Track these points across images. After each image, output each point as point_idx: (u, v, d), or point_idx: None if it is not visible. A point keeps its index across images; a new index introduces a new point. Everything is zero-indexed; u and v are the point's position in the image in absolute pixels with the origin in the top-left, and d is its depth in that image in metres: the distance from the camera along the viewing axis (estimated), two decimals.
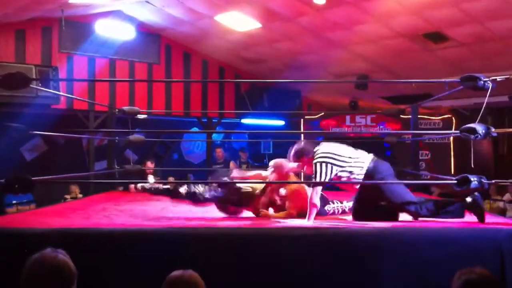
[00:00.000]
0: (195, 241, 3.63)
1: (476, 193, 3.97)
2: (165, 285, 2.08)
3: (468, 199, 4.01)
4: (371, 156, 4.28)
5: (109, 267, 3.37)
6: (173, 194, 4.54)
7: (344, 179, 4.20)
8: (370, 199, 4.23)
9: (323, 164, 4.11)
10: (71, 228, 3.82)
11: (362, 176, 4.17)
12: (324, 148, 4.25)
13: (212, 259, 3.40)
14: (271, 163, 4.86)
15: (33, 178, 3.95)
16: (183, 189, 4.52)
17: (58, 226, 3.92)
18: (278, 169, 4.73)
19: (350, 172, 4.18)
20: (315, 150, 4.25)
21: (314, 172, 4.16)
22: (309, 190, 4.31)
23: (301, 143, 4.52)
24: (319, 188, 4.13)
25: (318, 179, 4.09)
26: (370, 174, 4.18)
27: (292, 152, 4.46)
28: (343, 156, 4.18)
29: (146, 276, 3.30)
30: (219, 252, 3.50)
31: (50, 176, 4.63)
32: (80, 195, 8.19)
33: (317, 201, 4.09)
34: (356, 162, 4.20)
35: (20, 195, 8.17)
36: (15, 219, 4.58)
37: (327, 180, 4.12)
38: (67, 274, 1.97)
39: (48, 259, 1.96)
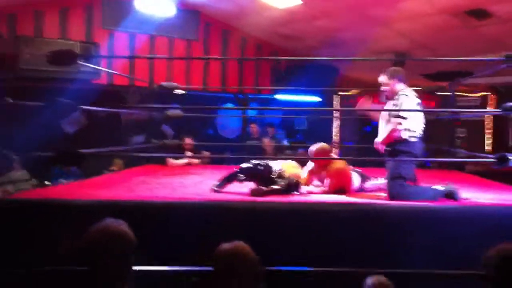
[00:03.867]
0: (233, 215, 3.76)
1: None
2: (218, 254, 2.16)
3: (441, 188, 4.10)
4: (420, 130, 4.33)
5: (154, 238, 3.52)
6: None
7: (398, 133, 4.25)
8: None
9: (410, 98, 4.27)
10: (118, 200, 4.00)
11: (406, 140, 4.24)
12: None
13: (251, 232, 3.50)
14: (312, 148, 4.95)
15: (80, 151, 4.14)
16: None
17: (105, 197, 4.10)
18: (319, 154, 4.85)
19: (407, 130, 4.25)
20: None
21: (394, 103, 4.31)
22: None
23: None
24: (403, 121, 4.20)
25: (399, 114, 4.20)
26: (412, 145, 4.25)
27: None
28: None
29: (189, 247, 3.44)
30: (258, 225, 3.62)
31: (96, 149, 4.79)
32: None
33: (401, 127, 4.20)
34: (415, 126, 4.27)
35: (68, 174, 8.47)
36: (63, 191, 4.79)
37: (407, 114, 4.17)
38: (129, 243, 2.09)
39: (112, 228, 2.08)
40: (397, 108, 4.25)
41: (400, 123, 4.20)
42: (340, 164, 4.80)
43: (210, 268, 2.21)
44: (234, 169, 4.83)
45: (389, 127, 4.31)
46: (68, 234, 3.44)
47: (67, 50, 4.61)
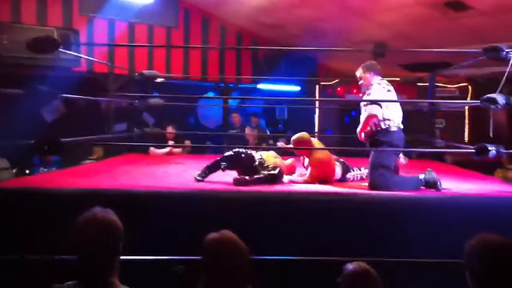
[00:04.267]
0: (218, 204, 3.78)
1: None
2: (206, 244, 2.18)
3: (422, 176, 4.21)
4: (400, 120, 4.44)
5: (137, 227, 3.52)
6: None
7: (378, 122, 4.36)
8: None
9: (383, 89, 4.44)
10: (100, 189, 3.98)
11: (386, 129, 4.35)
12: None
13: (235, 221, 3.53)
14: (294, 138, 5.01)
15: (61, 139, 4.11)
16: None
17: (86, 186, 4.08)
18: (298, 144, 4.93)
19: (385, 119, 4.35)
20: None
21: (368, 93, 4.48)
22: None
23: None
24: (377, 108, 4.34)
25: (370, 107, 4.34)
26: (391, 134, 4.35)
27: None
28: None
29: (175, 237, 3.46)
30: (242, 214, 3.64)
31: (77, 138, 4.76)
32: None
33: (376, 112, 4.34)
34: (391, 115, 4.39)
35: (49, 163, 8.38)
36: (46, 180, 4.75)
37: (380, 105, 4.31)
38: (117, 232, 2.10)
39: (100, 217, 2.08)
40: (369, 97, 4.42)
41: (375, 114, 4.33)
42: (322, 154, 4.83)
43: (196, 258, 2.22)
44: (217, 158, 4.84)
45: (364, 115, 4.43)
46: (54, 223, 3.45)
47: (48, 36, 4.54)
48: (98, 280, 2.04)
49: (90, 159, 8.06)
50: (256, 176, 4.45)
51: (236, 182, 4.39)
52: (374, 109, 4.33)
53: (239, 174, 4.61)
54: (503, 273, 1.92)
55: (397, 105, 4.51)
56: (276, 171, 4.55)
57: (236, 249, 2.15)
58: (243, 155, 4.69)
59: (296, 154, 5.44)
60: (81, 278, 2.07)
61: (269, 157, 4.89)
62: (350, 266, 2.43)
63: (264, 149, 5.37)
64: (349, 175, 4.88)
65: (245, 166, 4.62)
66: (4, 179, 6.20)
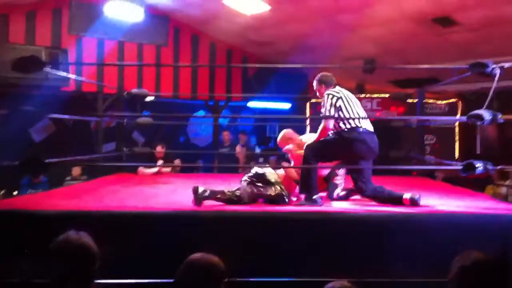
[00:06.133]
0: (205, 224, 3.73)
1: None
2: (185, 266, 2.15)
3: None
4: (368, 125, 4.48)
5: (122, 248, 3.46)
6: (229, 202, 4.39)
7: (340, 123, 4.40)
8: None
9: (330, 97, 4.44)
10: (84, 211, 3.92)
11: (349, 130, 4.39)
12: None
13: (224, 241, 3.48)
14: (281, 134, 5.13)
15: (46, 160, 4.06)
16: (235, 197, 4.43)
17: (70, 208, 4.02)
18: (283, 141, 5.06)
19: (347, 119, 4.39)
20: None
21: (322, 104, 4.51)
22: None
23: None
24: (329, 121, 4.42)
25: (325, 110, 4.42)
26: (355, 135, 4.38)
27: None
28: (352, 103, 4.46)
29: (159, 258, 3.40)
30: (231, 234, 3.59)
31: (63, 158, 4.71)
32: (84, 177, 8.23)
33: (328, 129, 4.44)
34: (356, 117, 4.41)
35: (37, 184, 8.31)
36: (28, 201, 4.68)
37: (331, 111, 4.37)
38: (90, 255, 2.05)
39: (73, 241, 2.04)
40: (324, 108, 4.45)
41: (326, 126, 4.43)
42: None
43: (172, 280, 2.19)
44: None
45: (320, 126, 4.51)
46: (32, 246, 3.39)
47: (33, 56, 4.50)
48: None
49: (69, 179, 8.00)
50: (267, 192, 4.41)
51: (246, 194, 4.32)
52: (327, 122, 4.43)
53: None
54: None
55: (358, 109, 4.50)
56: (282, 191, 4.48)
57: (213, 271, 2.12)
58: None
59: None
60: None
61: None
62: (330, 285, 2.40)
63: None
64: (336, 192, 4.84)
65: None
66: None
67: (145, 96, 6.90)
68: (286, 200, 4.42)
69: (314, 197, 4.32)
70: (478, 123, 3.79)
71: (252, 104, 11.32)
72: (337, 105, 4.40)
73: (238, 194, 4.42)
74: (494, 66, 4.03)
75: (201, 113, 11.93)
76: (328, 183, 4.87)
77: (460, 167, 3.84)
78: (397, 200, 4.26)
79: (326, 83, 4.67)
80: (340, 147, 4.42)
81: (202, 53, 10.49)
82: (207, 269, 2.14)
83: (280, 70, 10.24)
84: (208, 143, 12.10)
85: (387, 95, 9.97)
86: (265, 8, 8.57)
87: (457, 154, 9.64)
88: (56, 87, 8.17)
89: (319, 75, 4.76)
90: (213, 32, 10.34)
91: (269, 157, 10.09)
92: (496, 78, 3.96)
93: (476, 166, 3.70)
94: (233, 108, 12.01)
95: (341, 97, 4.45)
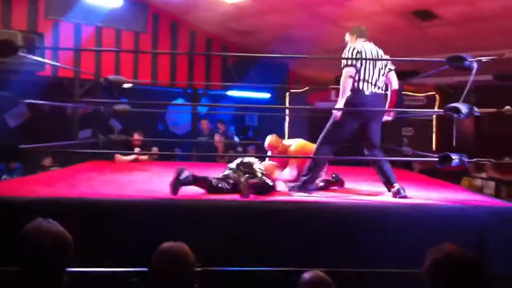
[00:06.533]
0: (180, 212, 3.69)
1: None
2: (155, 255, 2.13)
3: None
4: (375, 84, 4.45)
5: (95, 236, 3.41)
6: (211, 190, 4.34)
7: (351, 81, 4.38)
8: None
9: (350, 51, 4.44)
10: (57, 197, 3.85)
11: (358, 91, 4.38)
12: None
13: (198, 230, 3.46)
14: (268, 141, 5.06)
15: (20, 146, 3.97)
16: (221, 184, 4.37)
17: (44, 194, 3.95)
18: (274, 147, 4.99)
19: (361, 80, 4.39)
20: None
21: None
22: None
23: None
24: (350, 69, 4.37)
25: (346, 64, 4.39)
26: (364, 99, 4.39)
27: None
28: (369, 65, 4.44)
29: (133, 247, 3.36)
30: (205, 223, 3.57)
31: (38, 145, 4.61)
32: (55, 167, 8.08)
33: (347, 83, 4.37)
34: (368, 76, 4.41)
35: (12, 170, 8.17)
36: (2, 187, 4.59)
37: (350, 62, 4.36)
38: (63, 243, 2.01)
39: (45, 228, 1.99)
40: (344, 65, 4.42)
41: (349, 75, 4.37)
42: (295, 147, 4.96)
43: (146, 269, 2.16)
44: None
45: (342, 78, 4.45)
46: (6, 233, 3.32)
47: (7, 40, 4.38)
48: None
49: (41, 167, 7.89)
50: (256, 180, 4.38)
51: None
52: (348, 70, 4.38)
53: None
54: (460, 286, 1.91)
55: (374, 68, 4.47)
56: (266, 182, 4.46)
57: (183, 260, 2.10)
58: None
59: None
60: None
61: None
62: (306, 275, 2.40)
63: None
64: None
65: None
66: None
67: (123, 83, 6.79)
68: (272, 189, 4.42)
69: (309, 186, 4.39)
70: (455, 115, 3.81)
71: (231, 93, 11.27)
72: (354, 62, 4.39)
73: (222, 182, 4.38)
74: (471, 60, 4.05)
75: (179, 101, 11.84)
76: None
77: (437, 159, 3.86)
78: (388, 184, 4.35)
79: (357, 34, 4.65)
80: (348, 115, 4.43)
81: (182, 41, 10.38)
82: (177, 258, 2.12)
83: (261, 60, 10.20)
84: (187, 131, 12.03)
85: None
86: None
87: (434, 147, 9.72)
88: (31, 72, 8.02)
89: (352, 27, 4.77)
90: (193, 20, 10.24)
91: (247, 146, 10.07)
92: (474, 72, 3.98)
93: (453, 158, 3.72)
94: (212, 96, 11.95)
95: (360, 52, 4.43)
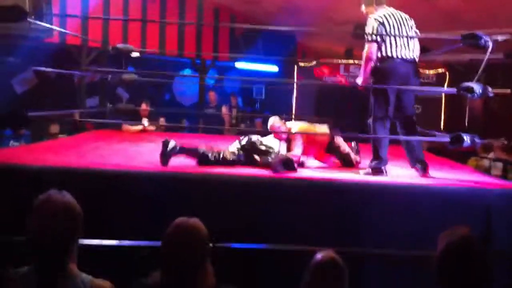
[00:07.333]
0: (188, 186, 3.69)
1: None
2: (168, 229, 2.12)
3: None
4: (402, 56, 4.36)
5: (103, 207, 3.41)
6: (201, 161, 4.32)
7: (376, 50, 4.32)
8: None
9: (372, 21, 4.36)
10: (67, 167, 3.85)
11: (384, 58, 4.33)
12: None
13: (206, 204, 3.45)
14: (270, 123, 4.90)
15: (29, 114, 3.95)
16: (210, 155, 4.34)
17: (53, 163, 3.95)
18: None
19: (382, 49, 4.32)
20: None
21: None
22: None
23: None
24: (372, 45, 4.32)
25: (369, 39, 4.33)
26: (388, 69, 4.31)
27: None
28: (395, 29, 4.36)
29: (144, 220, 3.37)
30: (213, 197, 3.56)
31: (46, 113, 4.60)
32: (61, 135, 8.08)
33: (369, 59, 4.33)
34: (395, 43, 4.34)
35: (20, 137, 8.18)
36: (10, 154, 4.59)
37: (373, 36, 4.30)
38: (76, 214, 2.00)
39: (56, 199, 1.98)
40: (367, 39, 4.34)
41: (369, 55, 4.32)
42: (298, 127, 4.86)
43: (158, 243, 2.16)
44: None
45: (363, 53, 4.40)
46: (16, 202, 3.33)
47: (16, 5, 4.32)
48: (53, 266, 1.94)
49: (51, 134, 7.88)
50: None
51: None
52: (370, 47, 4.32)
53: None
54: (471, 269, 1.90)
55: (401, 33, 4.40)
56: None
57: (196, 236, 2.09)
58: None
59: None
60: (36, 263, 1.97)
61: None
62: (319, 256, 2.40)
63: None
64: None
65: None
66: None
67: (131, 51, 6.73)
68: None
69: (378, 166, 4.29)
70: (469, 95, 3.76)
71: (239, 65, 11.18)
72: (378, 30, 4.31)
73: (215, 153, 4.37)
74: (487, 38, 3.98)
75: (187, 71, 11.77)
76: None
77: (448, 140, 3.83)
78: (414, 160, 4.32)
79: (376, 2, 4.55)
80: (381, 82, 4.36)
81: (189, 11, 10.26)
82: (191, 232, 2.11)
83: (268, 32, 10.08)
84: (194, 101, 11.99)
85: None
86: None
87: (442, 125, 9.67)
88: (39, 38, 7.96)
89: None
90: None
91: (254, 119, 10.06)
92: (489, 51, 3.92)
93: (464, 139, 3.68)
94: (220, 68, 11.87)
95: (383, 23, 4.35)
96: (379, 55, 4.34)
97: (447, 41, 5.43)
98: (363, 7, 4.67)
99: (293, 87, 9.85)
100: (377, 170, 4.27)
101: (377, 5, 4.55)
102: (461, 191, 3.79)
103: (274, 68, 11.20)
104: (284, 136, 4.76)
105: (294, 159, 4.43)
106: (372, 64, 4.35)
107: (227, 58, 11.00)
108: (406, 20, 4.51)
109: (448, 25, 8.04)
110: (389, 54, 4.32)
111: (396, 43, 4.35)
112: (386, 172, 4.29)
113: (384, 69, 4.34)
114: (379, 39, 4.30)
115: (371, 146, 4.41)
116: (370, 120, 4.41)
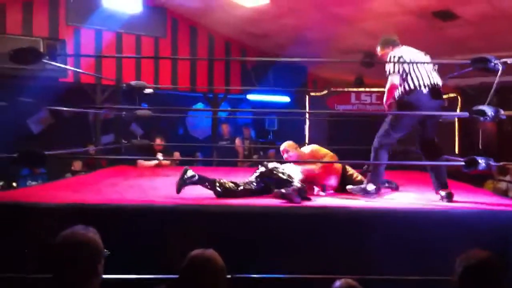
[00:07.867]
0: (205, 218, 3.70)
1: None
2: (186, 262, 2.14)
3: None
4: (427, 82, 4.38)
5: (122, 242, 3.43)
6: (219, 192, 4.32)
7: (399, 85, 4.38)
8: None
9: (393, 57, 4.43)
10: (85, 203, 3.89)
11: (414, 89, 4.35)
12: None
13: (223, 236, 3.46)
14: (283, 146, 4.98)
15: (45, 152, 4.01)
16: (228, 186, 4.36)
17: (70, 201, 3.99)
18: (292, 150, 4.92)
19: (408, 82, 4.36)
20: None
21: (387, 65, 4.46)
22: None
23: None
24: (394, 77, 4.38)
25: (388, 70, 4.40)
26: (414, 100, 4.35)
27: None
28: (416, 64, 4.41)
29: (161, 254, 3.37)
30: (230, 229, 3.57)
31: (61, 151, 4.66)
32: (84, 172, 8.18)
33: (391, 91, 4.41)
34: (417, 75, 4.38)
35: (36, 175, 8.27)
36: (30, 193, 4.64)
37: (396, 70, 4.36)
38: (96, 251, 2.03)
39: (79, 236, 2.01)
40: (389, 72, 4.41)
41: (394, 84, 4.37)
42: (311, 150, 4.95)
43: (176, 276, 2.17)
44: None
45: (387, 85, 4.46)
46: (34, 239, 3.36)
47: (31, 48, 4.44)
48: None
49: (72, 171, 7.96)
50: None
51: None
52: (392, 79, 4.38)
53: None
54: None
55: (424, 69, 4.45)
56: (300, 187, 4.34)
57: (213, 268, 2.10)
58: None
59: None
60: None
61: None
62: (337, 284, 2.39)
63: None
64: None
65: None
66: None
67: (144, 88, 6.87)
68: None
69: (370, 188, 4.37)
70: (481, 119, 3.76)
71: (251, 96, 11.28)
72: (399, 63, 4.39)
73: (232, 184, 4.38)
74: (496, 61, 4.00)
75: (200, 105, 11.87)
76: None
77: (463, 163, 3.82)
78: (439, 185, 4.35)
79: (392, 44, 4.68)
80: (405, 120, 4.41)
81: (201, 45, 10.44)
82: (207, 265, 2.12)
83: (279, 63, 10.19)
84: (207, 135, 12.07)
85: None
86: (264, 1, 8.51)
87: (457, 150, 9.61)
88: (54, 78, 8.11)
89: (381, 38, 4.78)
90: (212, 24, 10.29)
91: (267, 150, 10.07)
92: (499, 74, 3.93)
93: (479, 162, 3.67)
94: (232, 100, 11.97)
95: (402, 56, 4.43)
96: (406, 87, 4.38)
97: (457, 66, 5.45)
98: (378, 49, 4.78)
99: (306, 118, 9.88)
100: (370, 194, 4.37)
101: (393, 46, 4.66)
102: (481, 215, 3.75)
103: (286, 99, 11.27)
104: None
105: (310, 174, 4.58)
106: (396, 92, 4.42)
107: (239, 91, 11.11)
108: (421, 53, 4.60)
109: (456, 51, 8.09)
110: (415, 85, 4.36)
111: (420, 73, 4.39)
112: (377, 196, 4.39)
113: (411, 101, 4.37)
114: (401, 70, 4.36)
115: (371, 170, 4.49)
116: (375, 144, 4.44)
